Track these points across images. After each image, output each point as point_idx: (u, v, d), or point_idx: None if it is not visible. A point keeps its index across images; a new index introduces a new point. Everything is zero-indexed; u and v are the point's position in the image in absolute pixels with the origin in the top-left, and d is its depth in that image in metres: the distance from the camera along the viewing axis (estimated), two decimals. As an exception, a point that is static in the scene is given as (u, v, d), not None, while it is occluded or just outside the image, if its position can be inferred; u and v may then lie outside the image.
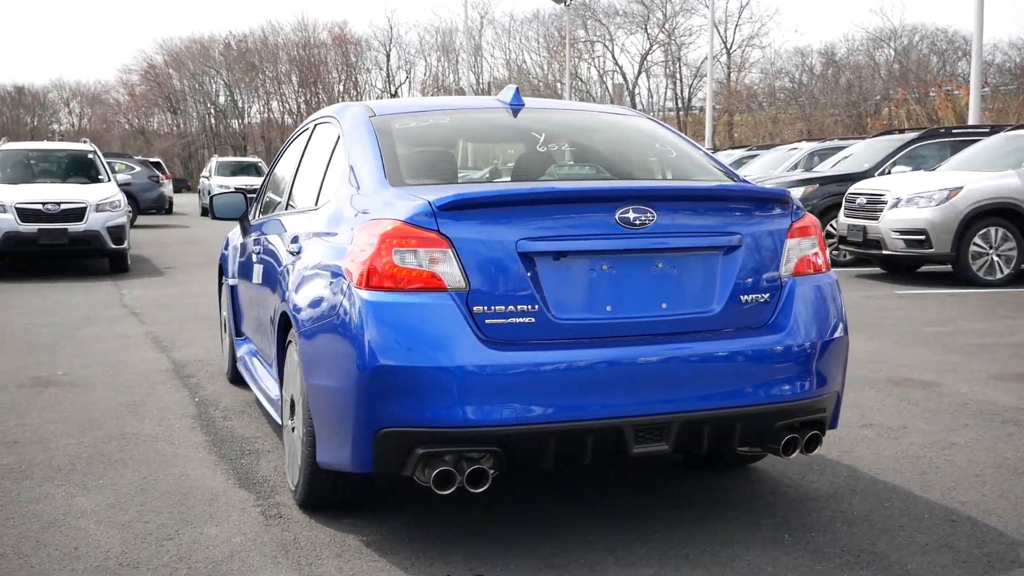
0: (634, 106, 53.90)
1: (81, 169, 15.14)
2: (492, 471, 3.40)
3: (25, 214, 12.97)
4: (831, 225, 13.84)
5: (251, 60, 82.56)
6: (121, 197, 13.93)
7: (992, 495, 4.20)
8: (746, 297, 3.65)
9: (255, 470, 4.58)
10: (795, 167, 17.42)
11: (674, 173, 4.26)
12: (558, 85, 46.73)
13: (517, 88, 4.51)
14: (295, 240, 4.25)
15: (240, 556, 3.57)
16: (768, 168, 17.93)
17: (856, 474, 4.50)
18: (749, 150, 22.31)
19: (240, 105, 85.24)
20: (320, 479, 3.82)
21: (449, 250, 3.37)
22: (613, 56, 55.37)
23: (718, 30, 50.51)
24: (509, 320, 3.39)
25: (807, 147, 18.53)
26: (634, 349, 3.46)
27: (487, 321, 3.37)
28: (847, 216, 13.03)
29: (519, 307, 3.39)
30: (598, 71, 57.11)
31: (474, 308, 3.37)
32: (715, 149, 27.80)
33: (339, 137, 4.30)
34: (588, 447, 3.42)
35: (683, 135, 4.50)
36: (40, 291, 11.69)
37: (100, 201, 13.38)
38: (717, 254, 3.64)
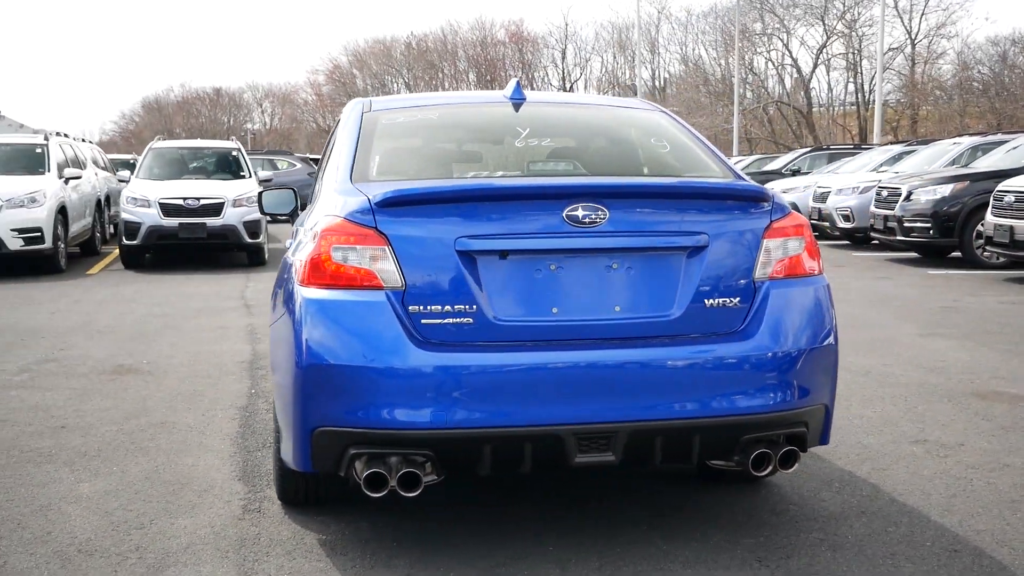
0: (809, 102, 52.18)
1: (226, 166, 15.76)
2: (428, 476, 3.31)
3: (167, 209, 13.60)
4: (981, 225, 12.98)
5: (430, 59, 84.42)
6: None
7: (1017, 525, 3.81)
8: (711, 301, 3.42)
9: (264, 463, 4.62)
10: (953, 163, 16.43)
11: (658, 169, 4.03)
12: (734, 80, 45.64)
13: (518, 81, 4.38)
14: (293, 236, 4.27)
15: (194, 549, 3.60)
16: (924, 164, 16.97)
17: (876, 494, 4.17)
18: (908, 145, 21.17)
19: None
20: (288, 475, 3.82)
21: (386, 247, 3.29)
22: (788, 49, 53.66)
23: (902, 19, 48.28)
24: (446, 320, 3.28)
25: (968, 142, 17.42)
26: (580, 353, 3.29)
27: (423, 321, 3.27)
28: (994, 215, 12.19)
29: (456, 307, 3.28)
30: (774, 65, 55.54)
31: (410, 307, 3.28)
32: (897, 142, 26.37)
33: (336, 133, 4.31)
34: (526, 455, 3.27)
35: (692, 131, 4.24)
36: (173, 283, 12.23)
37: (237, 196, 13.87)
38: (680, 255, 3.43)
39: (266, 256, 14.52)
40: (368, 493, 3.27)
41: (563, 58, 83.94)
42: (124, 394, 6.10)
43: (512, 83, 4.36)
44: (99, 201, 16.05)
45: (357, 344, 3.25)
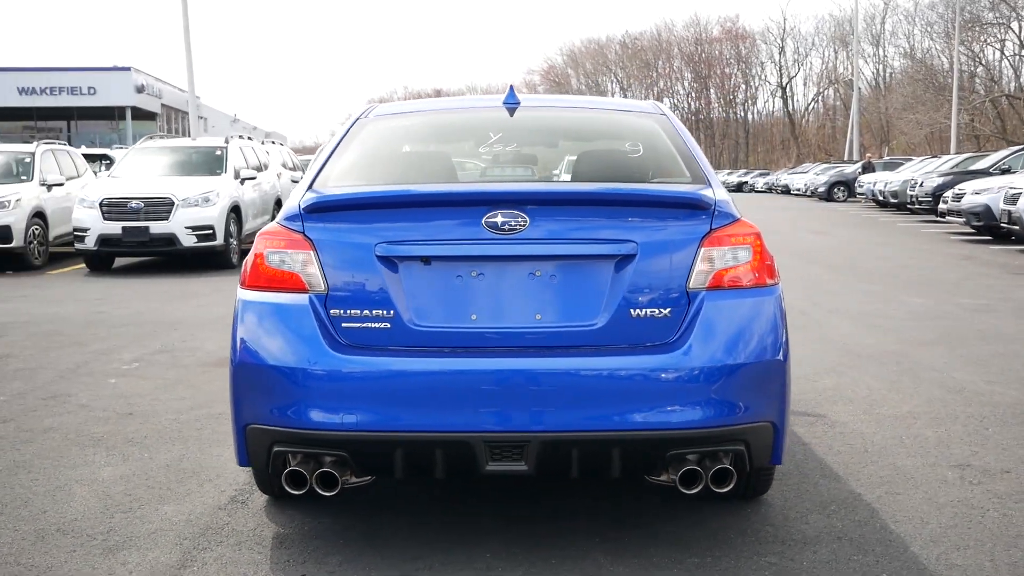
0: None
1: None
2: (352, 476, 3.38)
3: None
4: None
5: (644, 58, 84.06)
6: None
7: (1000, 563, 3.51)
8: (638, 311, 3.32)
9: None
10: None
11: (620, 175, 3.92)
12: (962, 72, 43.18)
13: (512, 87, 4.37)
14: None
15: (157, 535, 3.80)
16: None
17: (870, 519, 3.92)
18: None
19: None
20: (256, 470, 3.95)
21: (311, 252, 3.38)
22: (1020, 38, 50.16)
23: None
24: (365, 325, 3.34)
25: None
26: (495, 361, 3.28)
27: (344, 325, 3.34)
28: None
29: (375, 312, 3.33)
30: (1007, 56, 52.08)
31: (332, 311, 3.35)
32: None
33: None
34: (438, 460, 3.29)
35: (685, 138, 4.08)
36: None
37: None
38: (607, 263, 3.34)
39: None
40: (289, 491, 3.37)
41: (780, 54, 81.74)
42: (207, 386, 6.45)
43: (508, 88, 4.36)
44: (278, 200, 16.91)
45: (280, 345, 3.35)
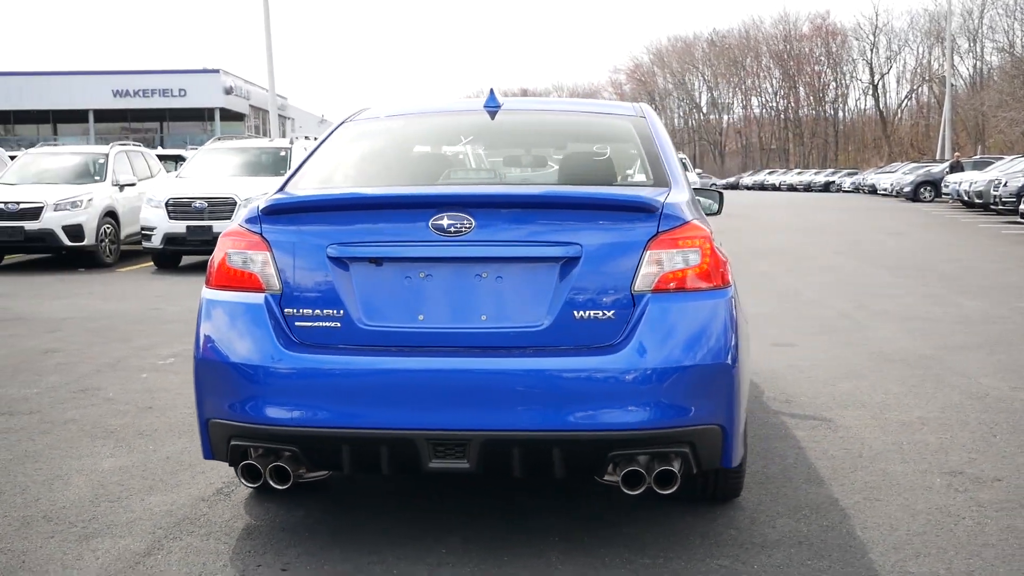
0: None
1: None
2: (301, 471, 3.48)
3: None
4: None
5: (732, 56, 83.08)
6: None
7: (959, 568, 3.45)
8: (582, 313, 3.35)
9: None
10: None
11: (579, 177, 3.94)
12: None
13: (492, 90, 4.42)
14: None
15: (135, 524, 3.95)
16: None
17: (839, 525, 3.89)
18: None
19: (720, 101, 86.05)
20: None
21: (267, 252, 3.48)
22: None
23: None
24: (316, 324, 3.43)
25: None
26: (439, 360, 3.34)
27: (297, 324, 3.44)
28: None
29: (326, 311, 3.43)
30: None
31: (286, 310, 3.45)
32: None
33: None
34: (383, 457, 3.36)
35: (660, 141, 4.08)
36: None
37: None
38: (552, 265, 3.38)
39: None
40: (245, 484, 3.49)
41: (872, 51, 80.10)
42: (231, 380, 6.63)
43: (487, 91, 4.42)
44: None
45: (237, 343, 3.47)
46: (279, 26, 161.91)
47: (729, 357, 3.41)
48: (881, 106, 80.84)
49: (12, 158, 17.96)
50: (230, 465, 3.56)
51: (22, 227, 14.20)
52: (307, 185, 3.93)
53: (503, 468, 3.37)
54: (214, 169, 15.27)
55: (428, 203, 3.42)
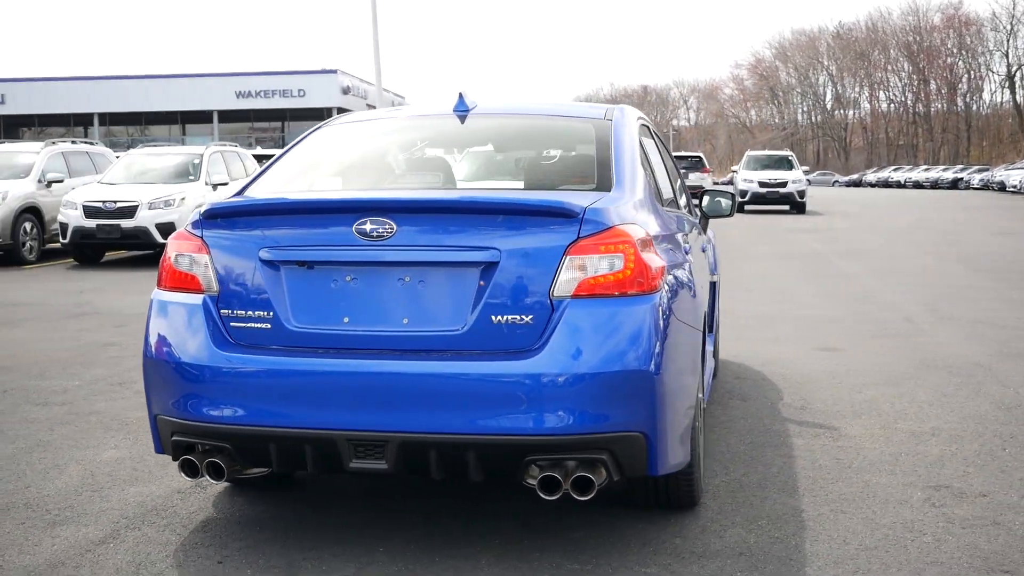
0: None
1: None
2: (236, 467, 3.58)
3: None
4: None
5: (858, 49, 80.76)
6: None
7: (891, 587, 3.35)
8: (500, 318, 3.36)
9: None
10: None
11: (530, 180, 3.96)
12: None
13: (461, 93, 4.45)
14: None
15: (104, 514, 4.11)
16: None
17: (792, 536, 3.80)
18: None
19: (845, 96, 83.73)
20: None
21: (207, 255, 3.60)
22: None
23: None
24: (249, 325, 3.53)
25: None
26: (360, 362, 3.40)
27: (232, 324, 3.55)
28: None
29: (257, 312, 3.52)
30: None
31: (222, 311, 3.56)
32: None
33: None
34: (308, 456, 3.44)
35: (622, 145, 4.06)
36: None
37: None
38: (472, 270, 3.40)
39: None
40: (185, 477, 3.62)
41: (1010, 41, 76.81)
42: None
43: (456, 96, 4.46)
44: None
45: (178, 342, 3.60)
46: (398, 27, 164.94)
47: (652, 364, 3.37)
48: (1019, 99, 77.45)
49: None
50: (173, 460, 3.68)
51: (119, 225, 14.84)
52: (262, 190, 4.04)
53: (421, 470, 3.41)
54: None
55: (352, 208, 3.48)
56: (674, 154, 33.87)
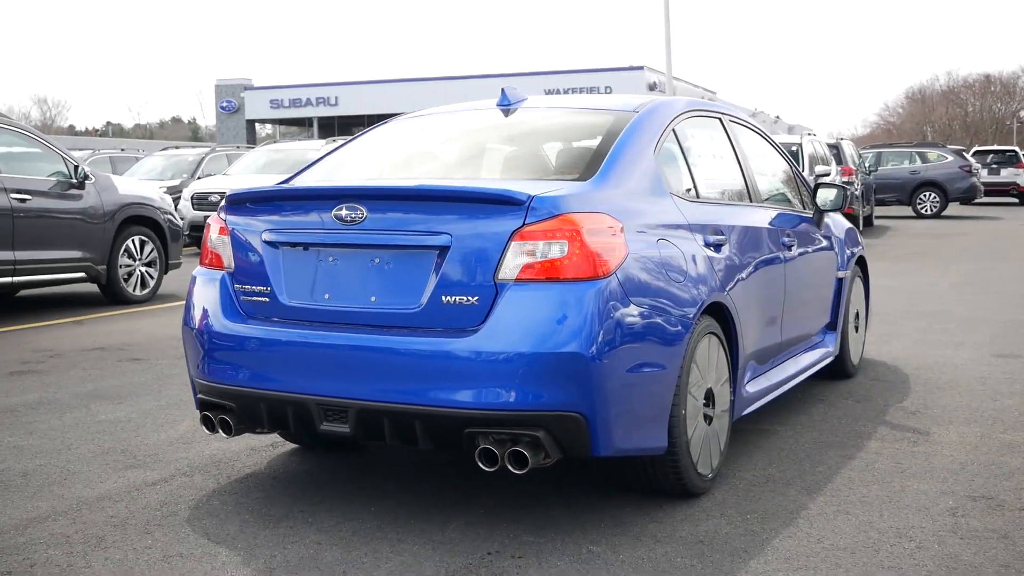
0: None
1: None
2: (241, 425, 4.02)
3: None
4: None
5: None
6: None
7: (818, 586, 3.26)
8: (450, 298, 3.58)
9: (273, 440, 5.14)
10: None
11: (510, 172, 4.15)
12: None
13: (504, 89, 4.67)
14: None
15: (172, 464, 4.68)
16: None
17: (760, 532, 3.75)
18: None
19: None
20: None
21: (228, 236, 4.08)
22: None
23: None
24: (254, 299, 3.97)
25: None
26: (333, 335, 3.74)
27: (242, 298, 4.01)
28: None
29: (258, 288, 3.95)
30: None
31: (235, 286, 4.03)
32: None
33: None
34: (290, 417, 3.82)
35: (627, 136, 4.15)
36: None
37: None
38: (430, 253, 3.64)
39: None
40: (207, 431, 4.12)
41: None
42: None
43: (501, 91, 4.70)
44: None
45: (203, 312, 4.10)
46: (710, 21, 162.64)
47: (592, 348, 3.47)
48: None
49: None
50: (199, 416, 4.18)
51: None
52: (310, 177, 4.48)
53: (377, 435, 3.71)
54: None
55: (331, 195, 3.84)
56: (984, 148, 31.57)
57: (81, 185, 9.94)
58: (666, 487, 4.02)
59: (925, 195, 25.15)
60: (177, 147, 24.28)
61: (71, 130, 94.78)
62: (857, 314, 6.56)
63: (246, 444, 4.99)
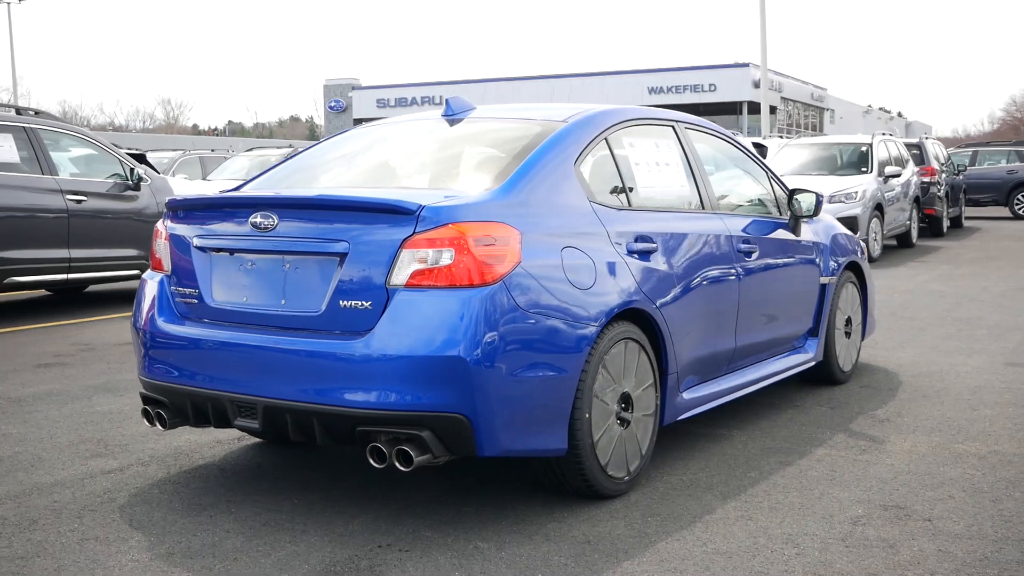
0: None
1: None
2: (175, 419, 4.27)
3: None
4: None
5: None
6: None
7: (673, 588, 3.34)
8: (346, 303, 3.77)
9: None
10: None
11: (435, 180, 4.41)
12: None
13: (447, 99, 4.83)
14: None
15: (136, 454, 4.98)
16: None
17: (652, 533, 3.83)
18: None
19: None
20: None
21: (166, 241, 4.35)
22: None
23: None
24: (186, 300, 4.23)
25: None
26: (247, 335, 3.97)
27: (177, 299, 4.27)
28: None
29: (189, 290, 4.21)
30: None
31: (171, 288, 4.30)
32: None
33: None
34: (210, 412, 4.06)
35: (545, 146, 4.27)
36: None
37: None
38: (331, 259, 3.83)
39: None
40: (147, 424, 4.40)
41: None
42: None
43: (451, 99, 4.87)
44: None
45: (143, 313, 4.39)
46: (830, 18, 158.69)
47: (476, 351, 3.62)
48: None
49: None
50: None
51: None
52: (255, 185, 4.73)
53: (282, 431, 3.92)
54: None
55: (248, 204, 4.09)
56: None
57: (137, 186, 10.46)
58: (573, 488, 4.13)
59: (1023, 196, 24.28)
60: (263, 147, 25.01)
61: (194, 129, 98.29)
62: (849, 320, 6.51)
63: (212, 437, 5.27)
